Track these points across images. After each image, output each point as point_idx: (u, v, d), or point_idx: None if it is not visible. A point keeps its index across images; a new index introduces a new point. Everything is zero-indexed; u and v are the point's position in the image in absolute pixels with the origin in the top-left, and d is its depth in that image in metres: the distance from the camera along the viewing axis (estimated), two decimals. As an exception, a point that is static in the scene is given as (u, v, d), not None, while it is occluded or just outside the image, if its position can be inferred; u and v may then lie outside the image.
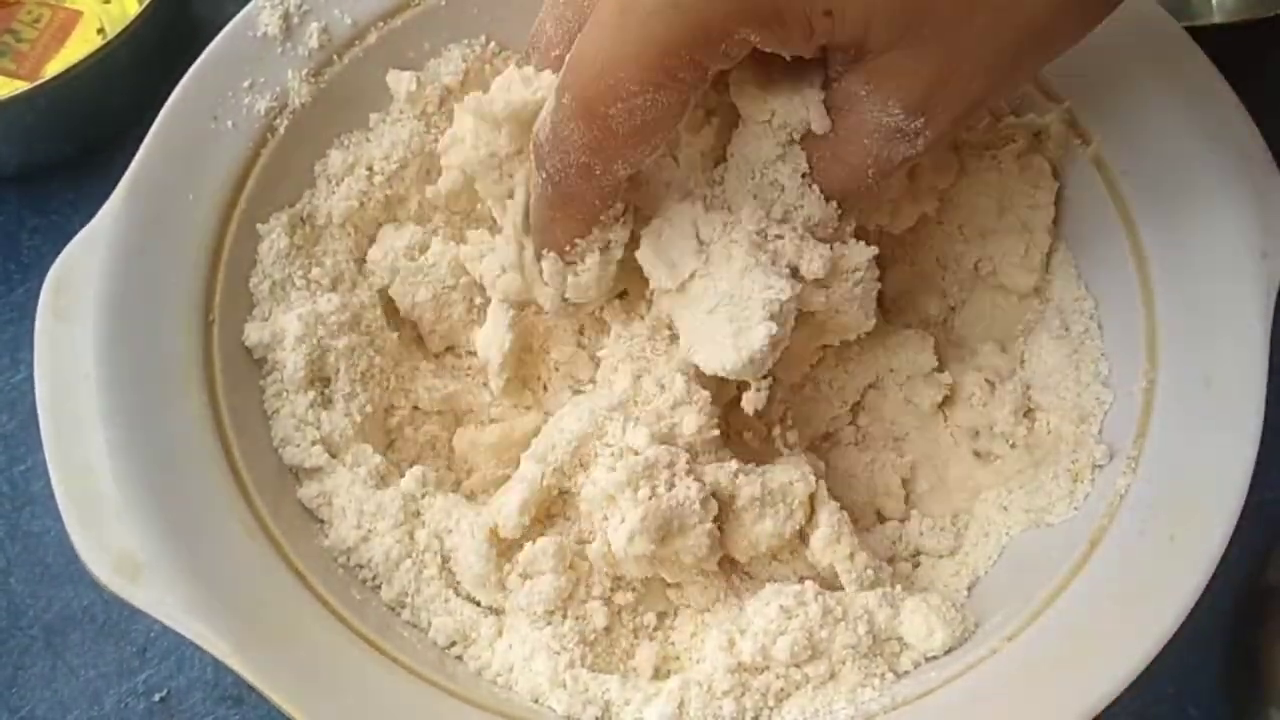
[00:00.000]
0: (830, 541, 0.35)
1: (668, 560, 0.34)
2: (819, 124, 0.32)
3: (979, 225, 0.40)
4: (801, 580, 0.35)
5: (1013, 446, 0.39)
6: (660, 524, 0.33)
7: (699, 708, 0.33)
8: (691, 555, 0.34)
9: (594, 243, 0.34)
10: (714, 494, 0.35)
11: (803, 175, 0.33)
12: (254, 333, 0.37)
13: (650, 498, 0.33)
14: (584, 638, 0.34)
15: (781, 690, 0.33)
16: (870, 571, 0.35)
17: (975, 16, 0.29)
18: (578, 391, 0.38)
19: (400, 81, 0.40)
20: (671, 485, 0.34)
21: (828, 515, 0.35)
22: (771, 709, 0.33)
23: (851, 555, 0.35)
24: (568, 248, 0.35)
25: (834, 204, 0.34)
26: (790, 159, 0.33)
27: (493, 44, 0.41)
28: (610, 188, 0.33)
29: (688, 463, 0.34)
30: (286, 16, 0.39)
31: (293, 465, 0.36)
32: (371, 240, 0.40)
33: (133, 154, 0.36)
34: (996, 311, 0.41)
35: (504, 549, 0.35)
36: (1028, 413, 0.39)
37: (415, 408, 0.40)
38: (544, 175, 0.33)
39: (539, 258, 0.35)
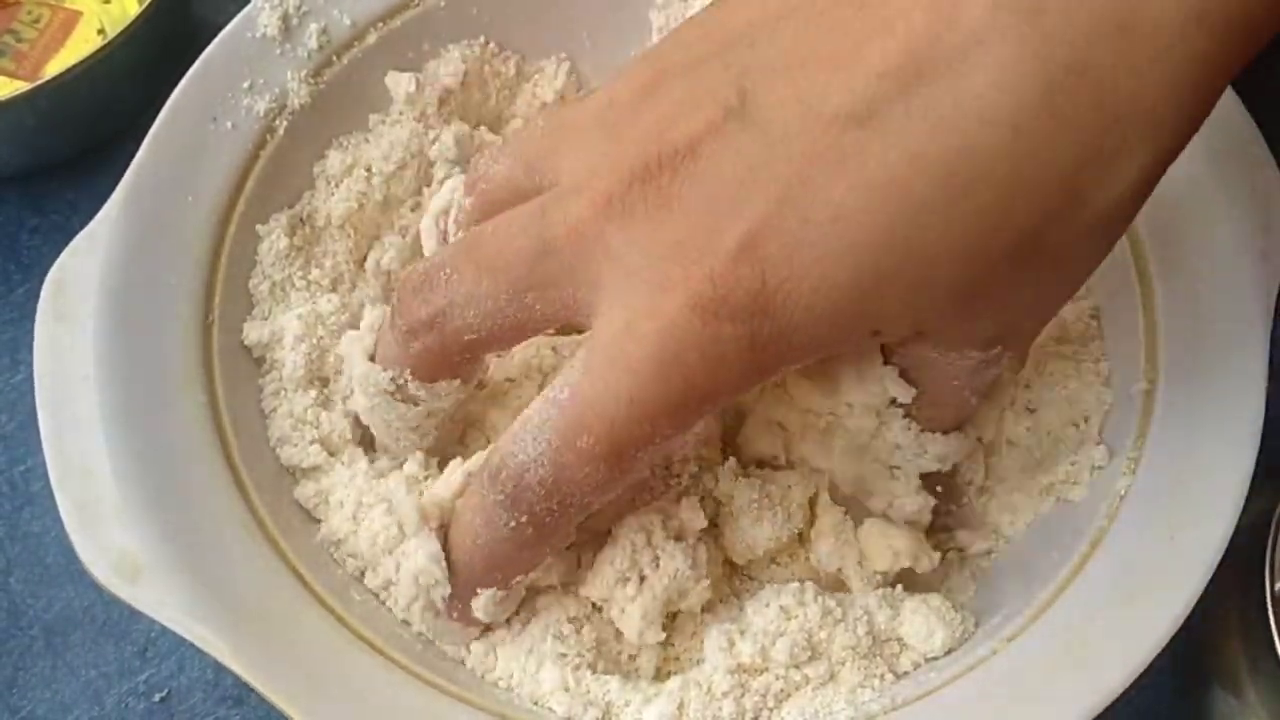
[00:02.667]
0: (837, 547, 0.35)
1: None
2: (903, 395, 0.32)
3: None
4: (802, 582, 0.35)
5: (1012, 446, 0.39)
6: (661, 607, 0.33)
7: (698, 708, 0.33)
8: (698, 600, 0.34)
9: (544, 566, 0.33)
10: (710, 495, 0.35)
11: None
12: (253, 332, 0.37)
13: (641, 585, 0.33)
14: (589, 642, 0.34)
15: (781, 691, 0.33)
16: (878, 575, 0.35)
17: (1025, 289, 0.28)
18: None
19: (399, 83, 0.40)
20: (656, 562, 0.33)
21: (831, 521, 0.35)
22: (771, 710, 0.33)
23: (860, 560, 0.35)
24: (519, 578, 0.32)
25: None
26: (890, 421, 0.33)
27: (492, 44, 0.41)
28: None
29: (662, 519, 0.33)
30: (286, 17, 0.39)
31: (290, 465, 0.36)
32: (371, 241, 0.40)
33: (132, 154, 0.36)
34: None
35: None
36: (1027, 413, 0.39)
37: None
38: (524, 519, 0.30)
39: (464, 601, 0.33)
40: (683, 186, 0.27)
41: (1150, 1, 0.23)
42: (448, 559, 0.32)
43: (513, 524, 0.30)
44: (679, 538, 0.34)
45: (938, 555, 0.36)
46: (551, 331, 0.35)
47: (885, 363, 0.32)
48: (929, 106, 0.24)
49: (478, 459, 0.33)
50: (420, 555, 0.32)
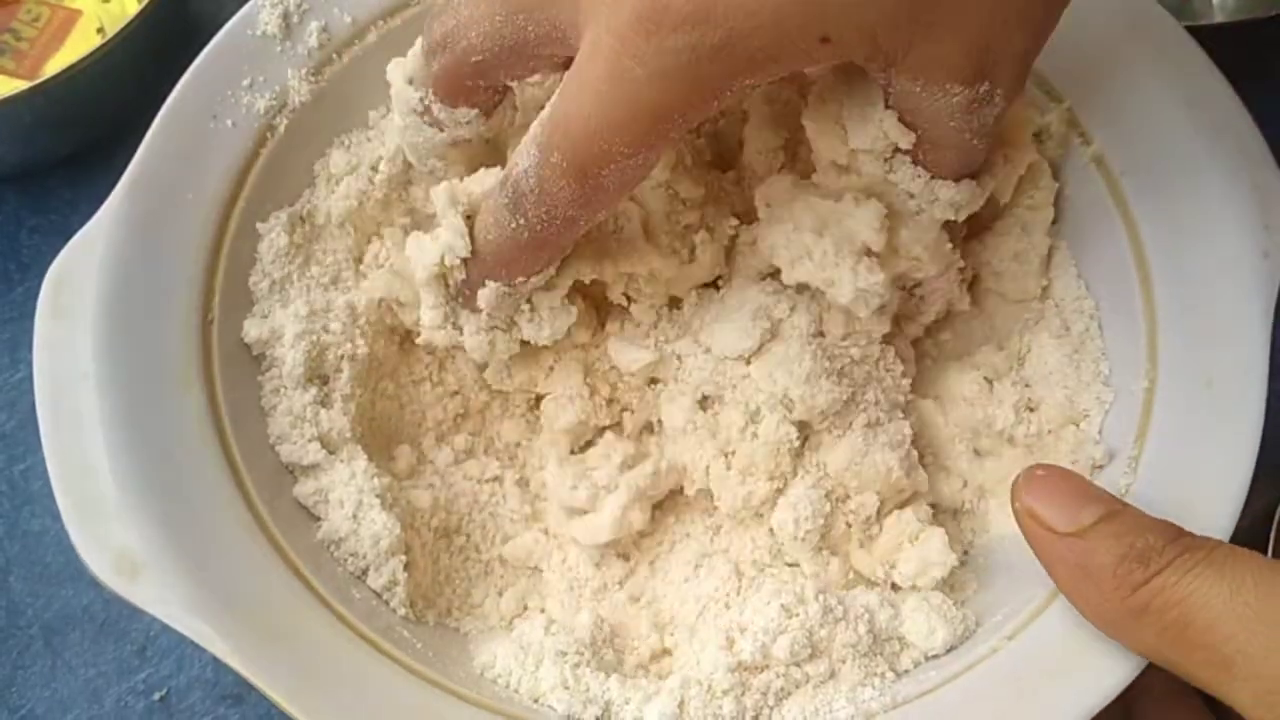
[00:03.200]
0: (887, 555, 0.36)
1: None
2: (903, 139, 0.32)
3: (977, 225, 0.40)
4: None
5: (1012, 445, 0.39)
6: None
7: (699, 706, 0.33)
8: None
9: (543, 276, 0.35)
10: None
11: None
12: (253, 329, 0.37)
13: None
14: (589, 639, 0.34)
15: (782, 689, 0.33)
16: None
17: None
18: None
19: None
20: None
21: (899, 533, 0.36)
22: (772, 708, 0.33)
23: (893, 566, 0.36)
24: (520, 279, 0.34)
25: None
26: (898, 169, 0.33)
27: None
28: (583, 231, 0.33)
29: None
30: (286, 15, 0.39)
31: (289, 462, 0.36)
32: (370, 239, 0.40)
33: (132, 153, 0.36)
34: (996, 312, 0.41)
35: None
36: (1028, 412, 0.39)
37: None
38: (522, 221, 0.32)
39: (473, 289, 0.35)
40: None
41: None
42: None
43: (514, 225, 0.32)
44: None
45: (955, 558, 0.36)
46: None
47: (885, 108, 0.32)
48: None
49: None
50: (448, 232, 0.34)
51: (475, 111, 0.35)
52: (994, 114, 0.31)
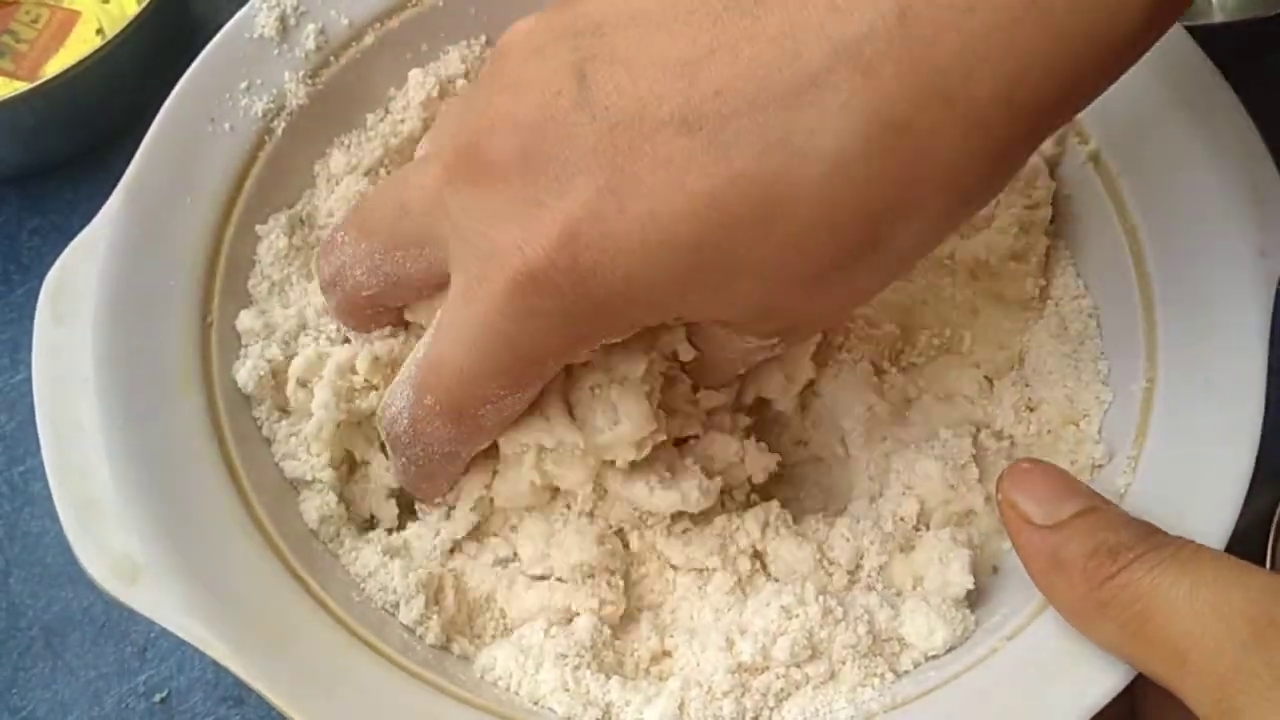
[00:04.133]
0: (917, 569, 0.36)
1: None
2: (685, 353, 0.34)
3: (975, 225, 0.40)
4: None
5: (1011, 445, 0.39)
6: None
7: (699, 708, 0.33)
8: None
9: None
10: None
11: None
12: (247, 319, 0.37)
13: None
14: (589, 642, 0.34)
15: (782, 690, 0.33)
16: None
17: (814, 306, 0.29)
18: None
19: (419, 83, 0.40)
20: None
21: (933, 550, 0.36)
22: (772, 709, 0.33)
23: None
24: (438, 501, 0.36)
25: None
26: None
27: (491, 46, 0.41)
28: (467, 460, 0.34)
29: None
30: (283, 18, 0.38)
31: (294, 479, 0.36)
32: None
33: (132, 154, 0.36)
34: (995, 312, 0.40)
35: None
36: (1027, 411, 0.39)
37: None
38: (403, 460, 0.34)
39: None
40: (509, 157, 0.28)
41: (971, 79, 0.24)
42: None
43: (401, 461, 0.34)
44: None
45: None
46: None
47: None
48: (758, 132, 0.25)
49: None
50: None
51: (388, 329, 0.36)
52: (765, 357, 0.34)
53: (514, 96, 0.28)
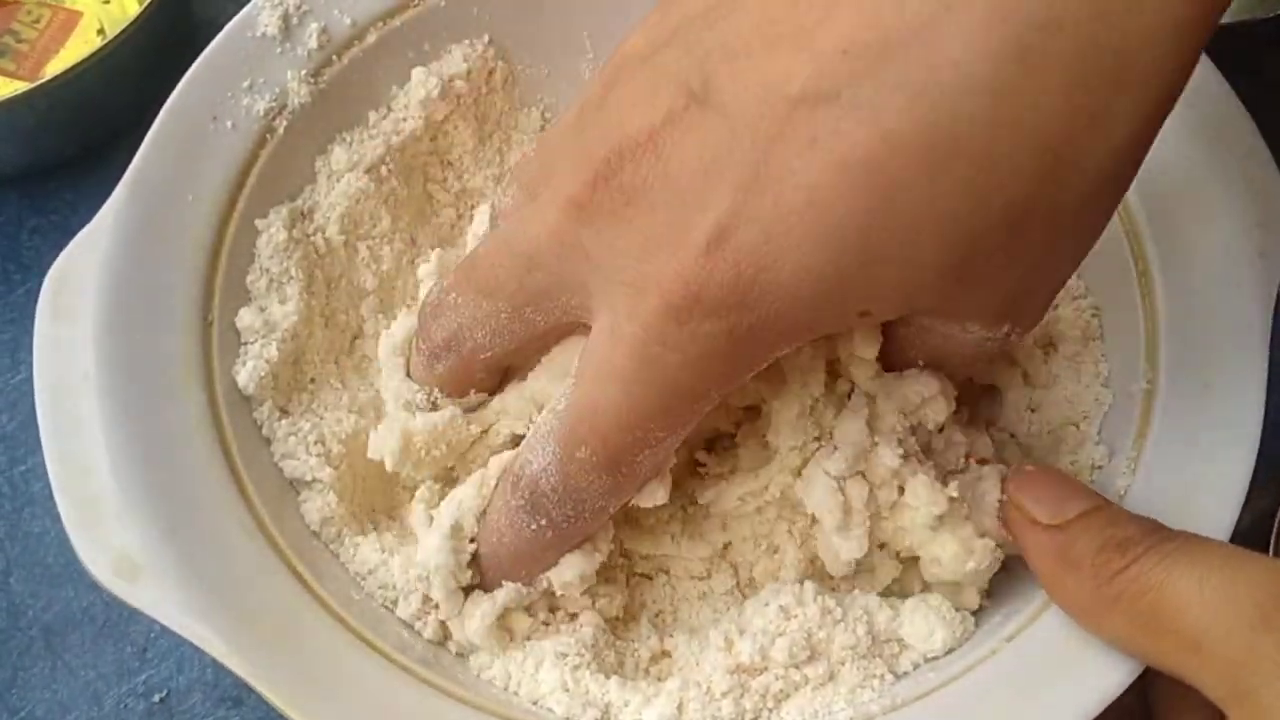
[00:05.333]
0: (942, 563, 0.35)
1: None
2: (863, 364, 0.32)
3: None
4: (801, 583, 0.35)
5: (1012, 445, 0.39)
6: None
7: (698, 709, 0.33)
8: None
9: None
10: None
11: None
12: (247, 316, 0.37)
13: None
14: (589, 641, 0.34)
15: (780, 691, 0.33)
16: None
17: (1021, 261, 0.26)
18: None
19: (423, 81, 0.40)
20: None
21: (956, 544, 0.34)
22: (770, 710, 0.33)
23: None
24: (541, 573, 0.33)
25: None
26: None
27: (494, 46, 0.41)
28: (610, 516, 0.32)
29: None
30: (286, 17, 0.39)
31: (293, 479, 0.36)
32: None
33: (133, 154, 0.36)
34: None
35: None
36: (1028, 412, 0.39)
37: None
38: (543, 522, 0.31)
39: (488, 588, 0.33)
40: (646, 180, 0.26)
41: None
42: (475, 555, 0.33)
43: (534, 527, 0.31)
44: None
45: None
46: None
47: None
48: (900, 80, 0.23)
49: (505, 458, 0.33)
50: (438, 554, 0.33)
51: (484, 395, 0.35)
52: (998, 348, 0.30)
53: (637, 115, 0.26)
